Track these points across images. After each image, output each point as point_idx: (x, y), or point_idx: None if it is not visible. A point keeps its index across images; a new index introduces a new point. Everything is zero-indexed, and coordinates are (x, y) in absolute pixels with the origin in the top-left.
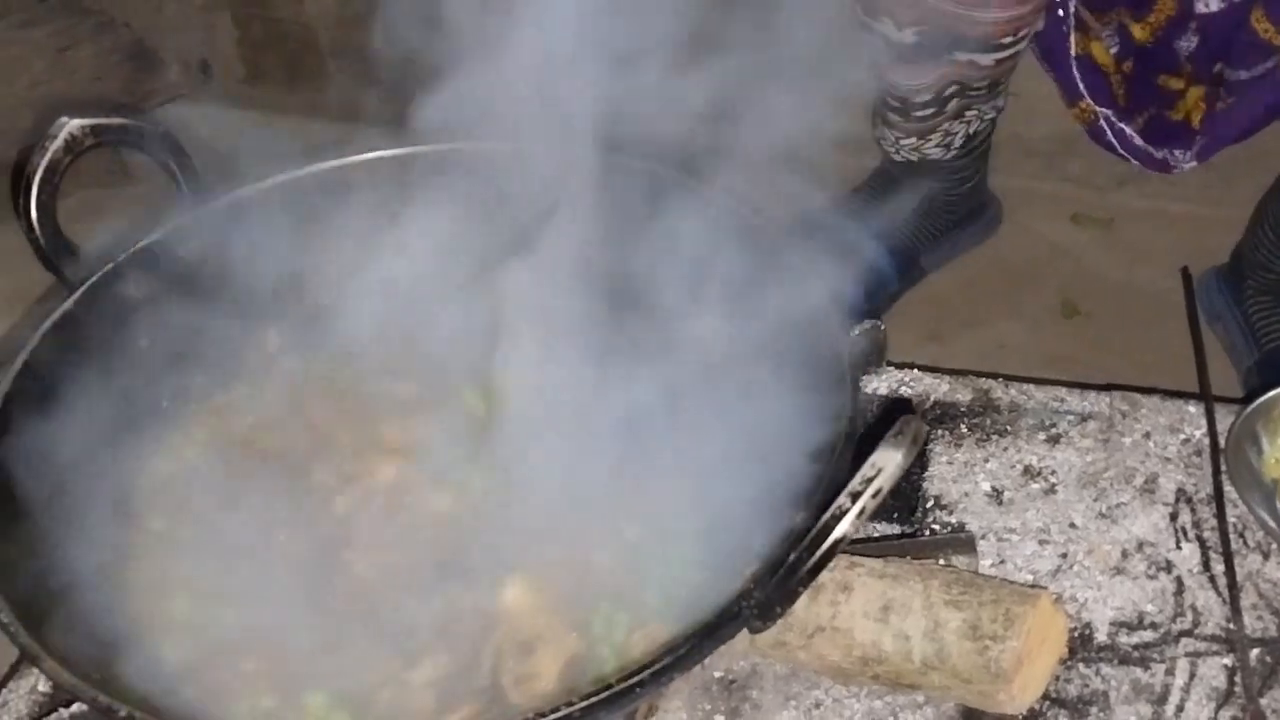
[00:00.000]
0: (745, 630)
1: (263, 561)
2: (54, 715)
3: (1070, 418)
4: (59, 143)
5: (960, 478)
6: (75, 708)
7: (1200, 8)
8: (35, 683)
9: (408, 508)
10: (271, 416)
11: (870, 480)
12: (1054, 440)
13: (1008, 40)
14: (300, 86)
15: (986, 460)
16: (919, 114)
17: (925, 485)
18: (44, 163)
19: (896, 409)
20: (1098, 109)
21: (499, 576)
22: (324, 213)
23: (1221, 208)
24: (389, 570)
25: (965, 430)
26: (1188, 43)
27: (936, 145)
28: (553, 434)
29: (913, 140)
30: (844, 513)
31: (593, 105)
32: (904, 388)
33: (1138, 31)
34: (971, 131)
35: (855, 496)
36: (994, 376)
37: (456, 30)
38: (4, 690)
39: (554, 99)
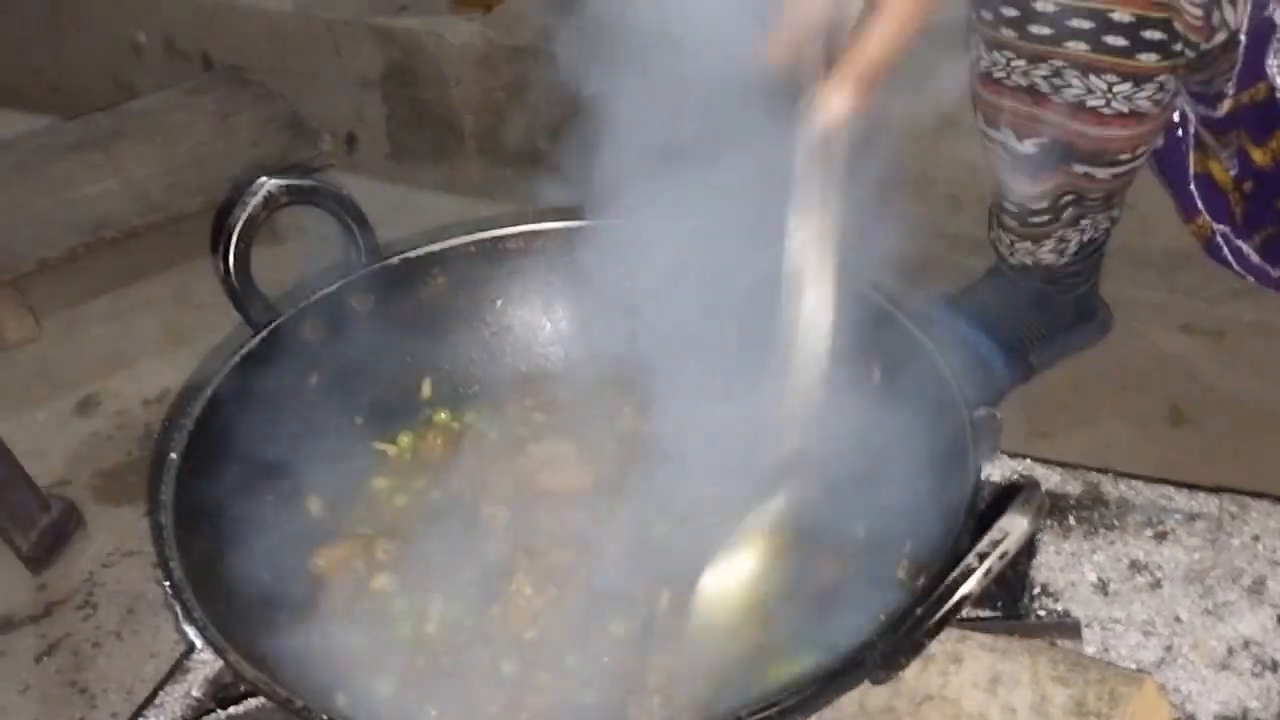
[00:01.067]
0: (865, 682)
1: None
2: (210, 716)
3: (1178, 516)
4: (259, 199)
5: (1067, 568)
6: (231, 709)
7: None
8: (189, 688)
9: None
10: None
11: (998, 543)
12: (1161, 537)
13: (1125, 156)
14: (440, 164)
15: (1094, 552)
16: (1034, 220)
17: (1032, 573)
18: (245, 216)
19: (1018, 487)
20: (1215, 225)
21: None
22: (485, 279)
23: None
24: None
25: (1073, 522)
26: None
27: (1050, 251)
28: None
29: (1027, 244)
30: (971, 571)
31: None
32: (1016, 476)
33: (1258, 156)
34: (1085, 239)
35: (983, 557)
36: (1104, 471)
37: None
38: (160, 693)
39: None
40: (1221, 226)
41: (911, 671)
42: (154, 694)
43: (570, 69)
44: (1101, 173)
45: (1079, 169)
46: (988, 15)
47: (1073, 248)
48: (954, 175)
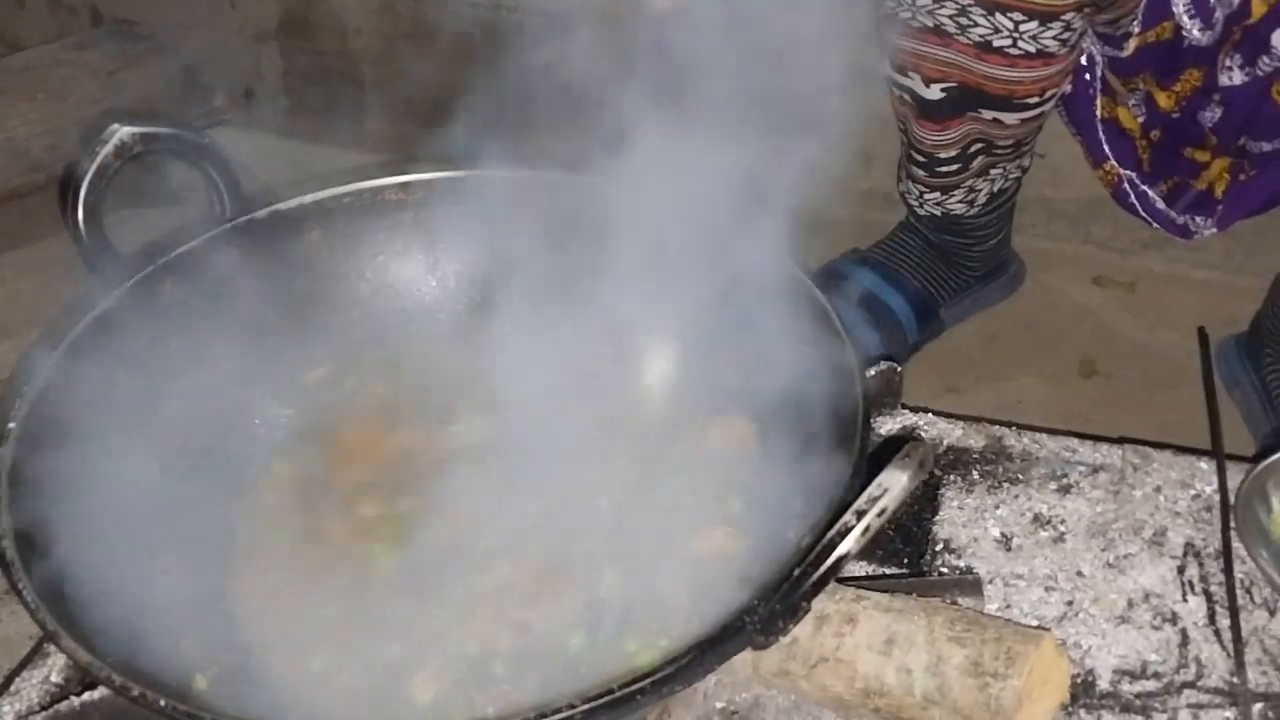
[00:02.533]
0: (749, 650)
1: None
2: (65, 703)
3: (1081, 468)
4: (109, 148)
5: (970, 523)
6: (87, 695)
7: (1224, 80)
8: (49, 673)
9: None
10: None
11: (876, 499)
12: (1065, 490)
13: (1032, 101)
14: (342, 119)
15: (997, 507)
16: (943, 170)
17: (935, 529)
18: (94, 166)
19: (901, 441)
20: (1122, 171)
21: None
22: (357, 231)
23: (1243, 275)
24: None
25: (977, 476)
26: (1212, 114)
27: (960, 201)
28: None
29: (936, 195)
30: (849, 529)
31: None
32: (918, 431)
33: (1163, 100)
34: (996, 190)
35: (861, 514)
36: (1007, 424)
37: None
38: (16, 680)
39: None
40: (1128, 172)
41: (806, 633)
42: (9, 680)
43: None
44: (1010, 118)
45: (987, 114)
46: None
47: (982, 198)
48: (863, 128)
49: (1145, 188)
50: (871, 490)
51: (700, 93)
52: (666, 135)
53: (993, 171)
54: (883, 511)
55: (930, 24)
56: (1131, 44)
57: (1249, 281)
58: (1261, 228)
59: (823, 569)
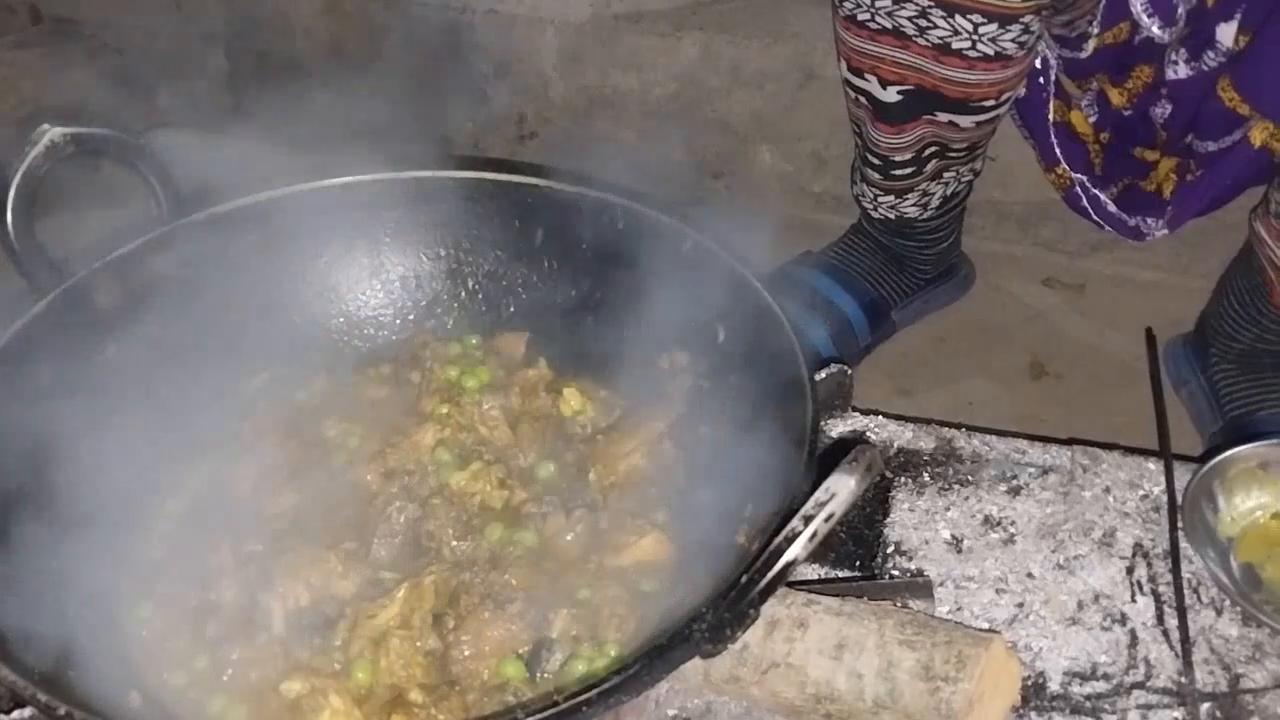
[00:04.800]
0: (698, 658)
1: None
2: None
3: (1031, 470)
4: (39, 149)
5: (921, 525)
6: (17, 713)
7: (1170, 74)
8: None
9: None
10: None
11: (823, 504)
12: (1015, 491)
13: (989, 104)
14: (286, 118)
15: (948, 509)
16: (897, 173)
17: (886, 531)
18: (23, 168)
19: (848, 444)
20: (1073, 175)
21: None
22: (305, 234)
23: (1189, 276)
24: None
25: (928, 479)
26: (1161, 110)
27: (913, 204)
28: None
29: (890, 199)
30: (796, 535)
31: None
32: (868, 434)
33: (1115, 97)
34: (949, 193)
35: (808, 520)
36: (957, 426)
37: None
38: None
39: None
40: (1079, 175)
41: (756, 638)
42: None
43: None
44: (966, 121)
45: (943, 117)
46: None
47: (935, 201)
48: (817, 131)
49: (1097, 191)
50: (819, 495)
51: None
52: None
53: (946, 175)
54: (830, 516)
55: (889, 25)
56: (1090, 45)
57: (1196, 283)
58: (1207, 229)
59: (770, 575)
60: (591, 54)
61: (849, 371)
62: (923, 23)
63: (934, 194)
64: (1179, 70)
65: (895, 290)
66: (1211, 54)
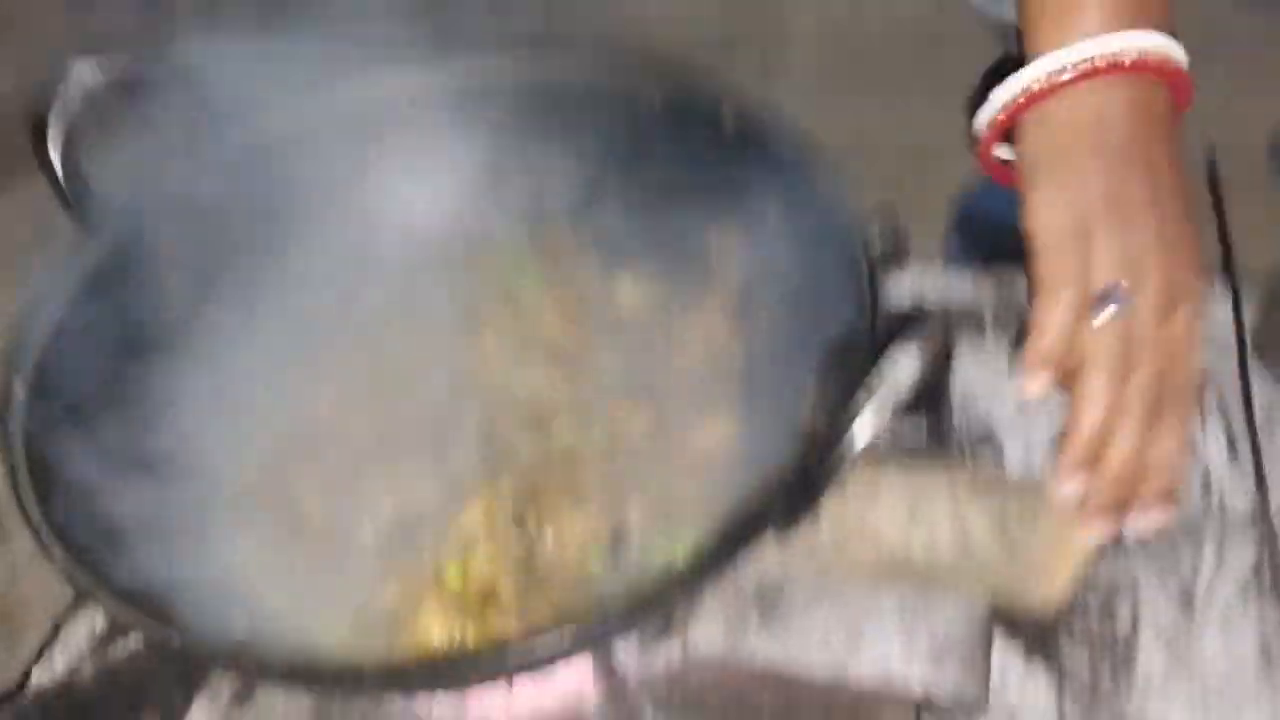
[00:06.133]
0: (773, 538)
1: None
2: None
3: None
4: (73, 85)
5: (986, 382)
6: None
7: None
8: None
9: None
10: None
11: (888, 378)
12: None
13: None
14: (314, 22)
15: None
16: None
17: (951, 391)
18: (60, 104)
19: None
20: None
21: None
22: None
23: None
24: None
25: (990, 334)
26: None
27: None
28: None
29: None
30: (862, 409)
31: None
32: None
33: None
34: None
35: (873, 394)
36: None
37: None
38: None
39: None
40: None
41: (829, 509)
42: (56, 628)
43: None
44: None
45: None
46: None
47: None
48: None
49: None
50: (883, 368)
51: None
52: None
53: None
54: (897, 389)
55: None
56: None
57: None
58: None
59: (839, 451)
60: None
61: (896, 230)
62: None
63: None
64: None
65: None
66: None
